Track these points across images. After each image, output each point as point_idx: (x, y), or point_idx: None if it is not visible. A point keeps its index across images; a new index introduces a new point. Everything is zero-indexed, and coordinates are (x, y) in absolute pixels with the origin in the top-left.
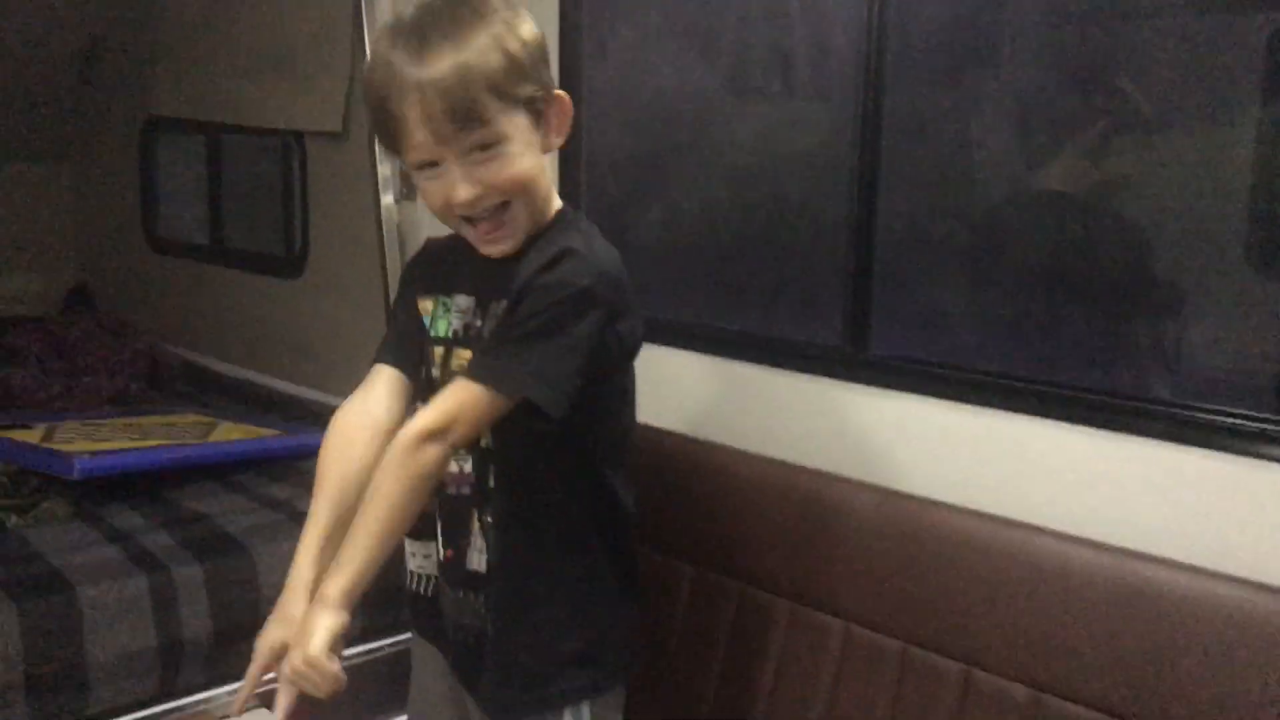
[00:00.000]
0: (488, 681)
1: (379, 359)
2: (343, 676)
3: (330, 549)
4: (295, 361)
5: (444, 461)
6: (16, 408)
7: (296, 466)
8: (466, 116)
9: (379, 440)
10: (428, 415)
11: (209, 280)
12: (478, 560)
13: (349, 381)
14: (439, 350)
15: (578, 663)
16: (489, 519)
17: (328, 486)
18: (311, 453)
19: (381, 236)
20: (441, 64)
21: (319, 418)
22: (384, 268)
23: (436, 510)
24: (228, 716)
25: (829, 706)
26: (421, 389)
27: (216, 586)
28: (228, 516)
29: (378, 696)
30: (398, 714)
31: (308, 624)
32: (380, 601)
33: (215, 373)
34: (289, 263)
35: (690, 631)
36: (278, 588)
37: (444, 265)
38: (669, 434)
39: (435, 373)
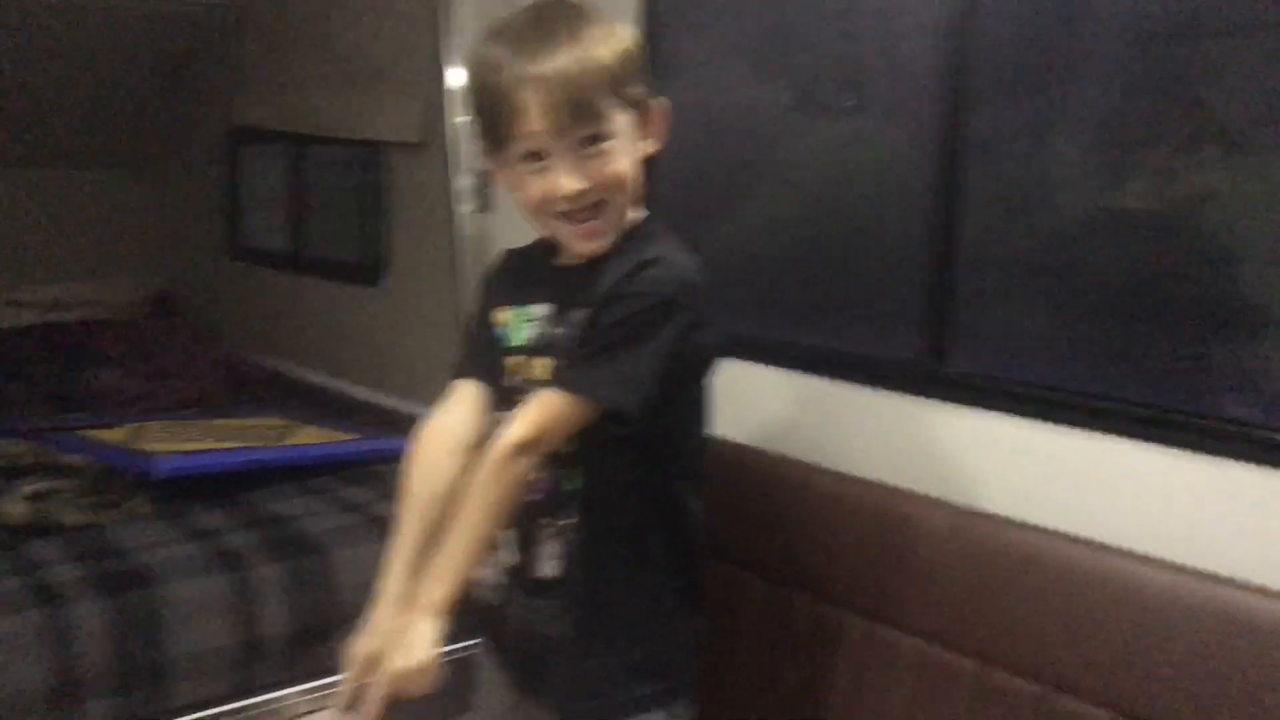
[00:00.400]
0: (556, 689)
1: (460, 374)
2: (444, 677)
3: (418, 562)
4: (372, 368)
5: (529, 471)
6: (101, 408)
7: (373, 470)
8: (585, 110)
9: (462, 456)
10: (519, 428)
11: (289, 288)
12: (548, 567)
13: (424, 387)
14: (516, 360)
15: (647, 671)
16: (561, 526)
17: (415, 502)
18: (388, 457)
19: (457, 246)
20: (565, 57)
21: (395, 423)
22: (459, 277)
23: None
24: (301, 716)
25: None
26: (499, 400)
27: (295, 586)
28: (306, 518)
29: (440, 705)
30: None
31: (412, 633)
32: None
33: (294, 379)
34: (367, 271)
35: (761, 646)
36: (355, 589)
37: (521, 275)
38: (744, 448)
39: (512, 382)
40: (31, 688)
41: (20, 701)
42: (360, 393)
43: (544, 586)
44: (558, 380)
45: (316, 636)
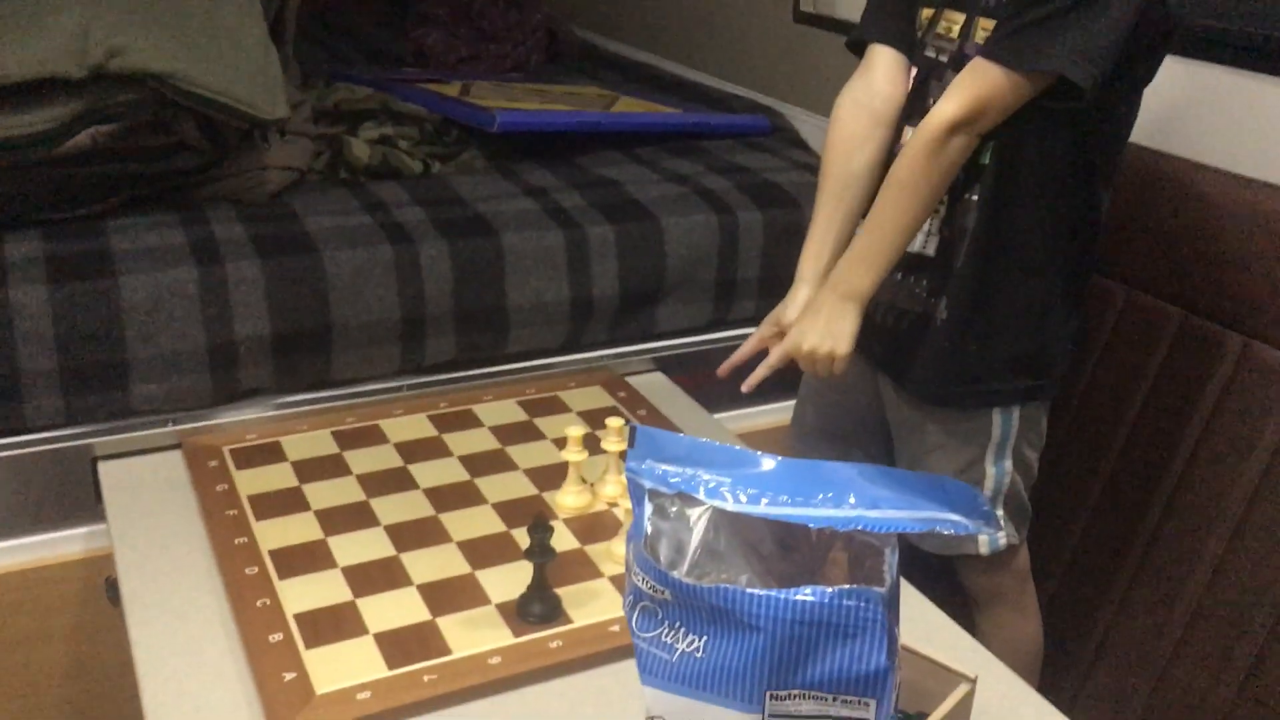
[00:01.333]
0: (923, 368)
1: (871, 36)
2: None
3: (834, 240)
4: (694, 45)
5: (969, 152)
6: (429, 66)
7: (698, 144)
8: None
9: (882, 129)
10: (954, 104)
11: None
12: (923, 243)
13: (746, 70)
14: (927, 12)
15: (1021, 365)
16: (960, 203)
17: (831, 181)
18: (712, 131)
19: None
20: None
21: (716, 102)
22: None
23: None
24: (627, 375)
25: (1272, 459)
26: (918, 67)
27: (625, 248)
28: (635, 185)
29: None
30: (792, 391)
31: (833, 318)
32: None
33: (612, 52)
34: None
35: (1117, 354)
36: (682, 256)
37: None
38: None
39: (930, 41)
40: (386, 316)
41: (378, 330)
42: (677, 69)
43: (918, 263)
44: (998, 46)
45: (643, 299)
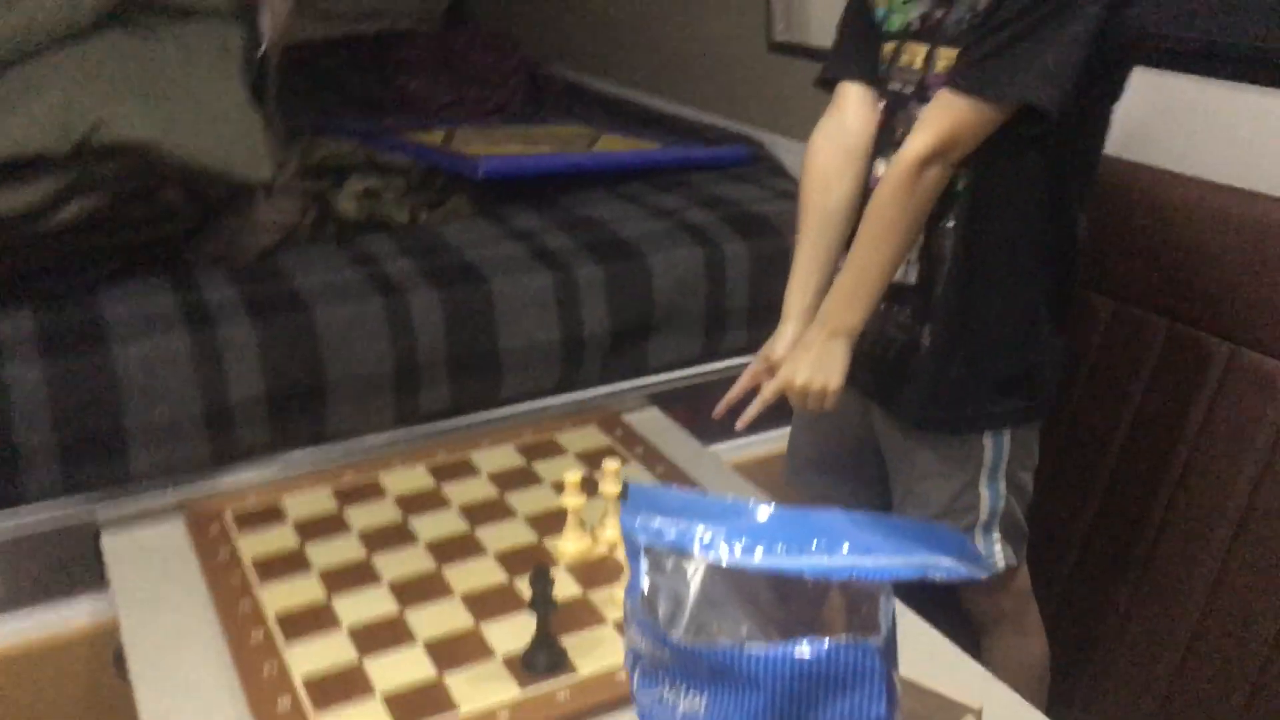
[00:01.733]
0: (912, 394)
1: (839, 74)
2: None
3: (818, 276)
4: (671, 79)
5: (943, 183)
6: (413, 114)
7: (681, 178)
8: None
9: (856, 163)
10: (924, 137)
11: None
12: (904, 271)
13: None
14: (889, 46)
15: (1009, 387)
16: (937, 229)
17: (811, 217)
18: (694, 164)
19: None
20: None
21: (696, 134)
22: None
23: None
24: (621, 412)
25: (1265, 466)
26: (883, 99)
27: (614, 286)
28: (620, 222)
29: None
30: (785, 420)
31: (823, 354)
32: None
33: (593, 89)
34: None
35: (1105, 368)
36: (670, 291)
37: None
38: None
39: (895, 74)
40: (380, 368)
41: (372, 382)
42: (658, 104)
43: (901, 293)
44: (962, 78)
45: (634, 337)
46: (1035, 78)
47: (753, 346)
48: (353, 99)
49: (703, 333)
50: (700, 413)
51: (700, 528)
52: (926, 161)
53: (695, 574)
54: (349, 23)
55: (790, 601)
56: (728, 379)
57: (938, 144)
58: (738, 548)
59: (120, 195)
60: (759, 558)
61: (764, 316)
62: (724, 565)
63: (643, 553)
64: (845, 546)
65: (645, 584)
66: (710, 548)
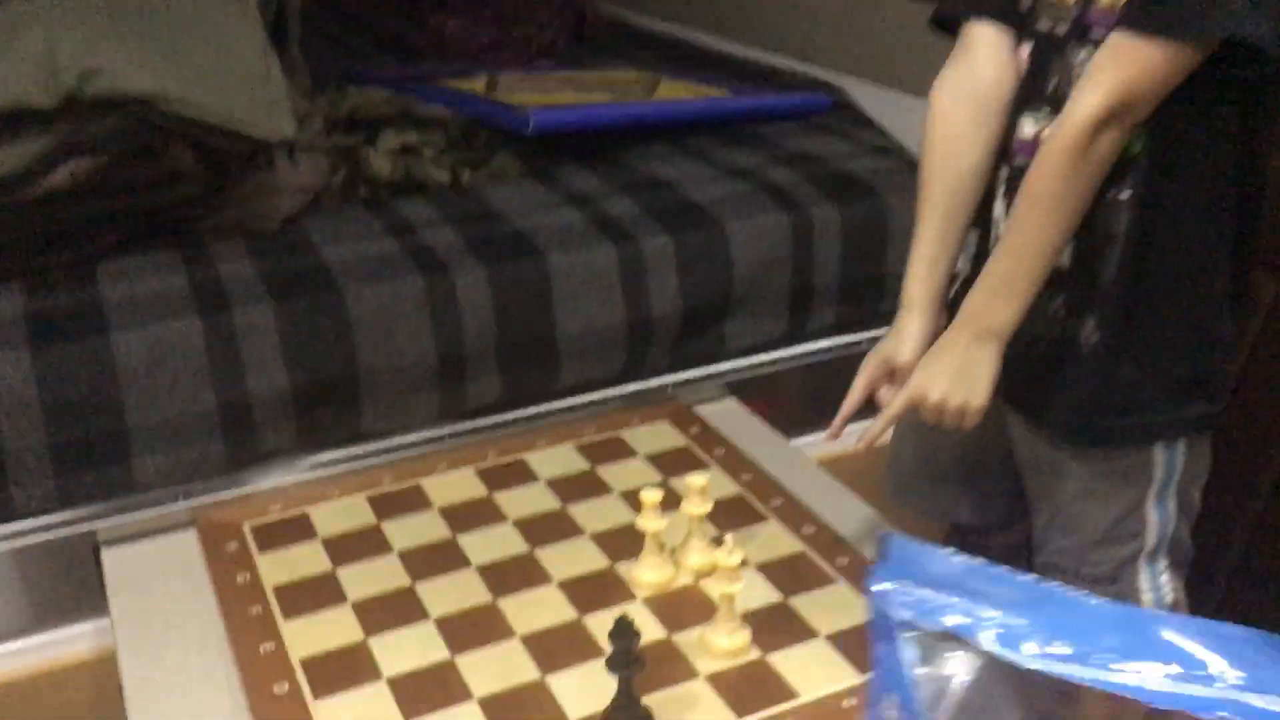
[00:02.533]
0: (1066, 401)
1: (964, 10)
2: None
3: (946, 257)
4: (730, 14)
5: (1121, 148)
6: (450, 55)
7: (756, 131)
8: None
9: (991, 124)
10: (1098, 94)
11: None
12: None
13: (794, 37)
14: None
15: (1188, 389)
16: (1095, 206)
17: (937, 187)
18: (773, 114)
19: None
20: None
21: (765, 79)
22: None
23: (1001, 185)
24: (693, 405)
25: None
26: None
27: (686, 260)
28: (691, 184)
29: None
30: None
31: (970, 364)
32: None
33: (645, 28)
34: None
35: (1269, 357)
36: (751, 265)
37: None
38: None
39: (1032, 6)
40: (421, 358)
41: (412, 373)
42: (718, 43)
43: (1051, 279)
44: (1145, 14)
45: (710, 318)
46: (1243, 4)
47: (842, 328)
48: (384, 42)
49: (787, 312)
50: (777, 402)
51: (986, 610)
52: (1102, 124)
53: (968, 667)
54: None
55: (1074, 704)
56: (813, 366)
57: (1116, 102)
58: (1056, 647)
59: (119, 157)
60: (1091, 669)
61: (856, 294)
62: (1037, 670)
63: (901, 632)
64: (1176, 665)
65: (915, 676)
66: (1011, 643)
